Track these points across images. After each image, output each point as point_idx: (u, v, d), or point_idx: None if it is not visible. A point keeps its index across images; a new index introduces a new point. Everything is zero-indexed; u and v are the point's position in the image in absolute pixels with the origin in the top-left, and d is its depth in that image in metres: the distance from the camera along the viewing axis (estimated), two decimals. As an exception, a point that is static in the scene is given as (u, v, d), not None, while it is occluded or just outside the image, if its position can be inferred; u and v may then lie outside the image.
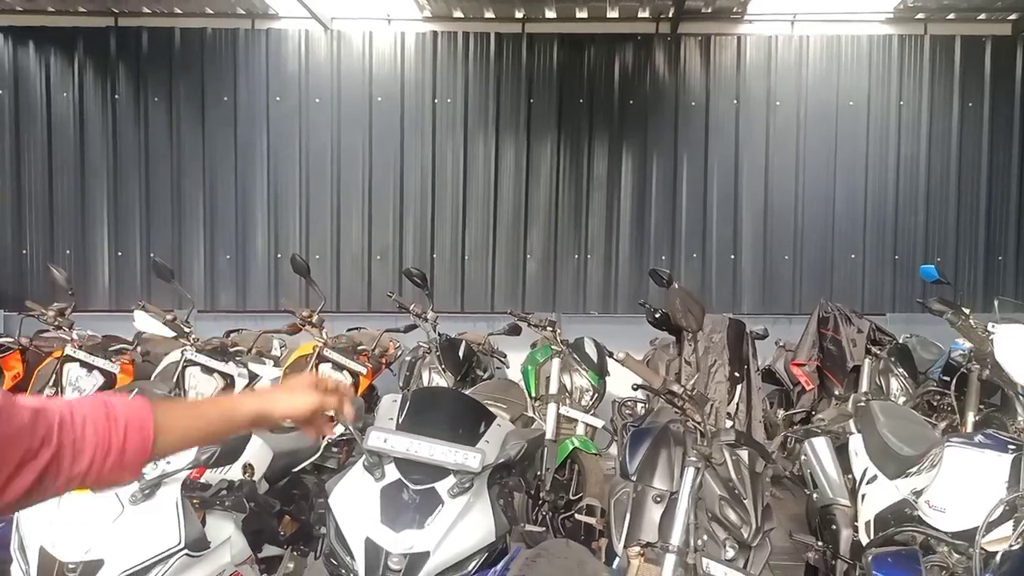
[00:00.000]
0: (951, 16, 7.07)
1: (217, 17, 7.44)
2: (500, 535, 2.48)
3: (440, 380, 5.24)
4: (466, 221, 7.39)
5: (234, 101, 7.38)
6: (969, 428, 4.17)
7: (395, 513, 2.38)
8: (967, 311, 5.04)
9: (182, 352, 4.75)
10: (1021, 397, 2.41)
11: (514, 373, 6.18)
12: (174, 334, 4.81)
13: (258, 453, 2.95)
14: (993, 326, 3.16)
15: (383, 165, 7.39)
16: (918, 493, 2.79)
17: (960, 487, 2.57)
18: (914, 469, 2.97)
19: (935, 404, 5.66)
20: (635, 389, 2.85)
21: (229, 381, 5.20)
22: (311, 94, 7.37)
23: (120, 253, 7.55)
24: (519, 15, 7.28)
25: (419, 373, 5.84)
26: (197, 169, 7.44)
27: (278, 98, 7.38)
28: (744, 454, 2.58)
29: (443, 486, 2.43)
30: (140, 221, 7.50)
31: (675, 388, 2.51)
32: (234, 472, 2.79)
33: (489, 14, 7.30)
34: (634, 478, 2.65)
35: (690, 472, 2.44)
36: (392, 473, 2.47)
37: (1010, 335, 2.54)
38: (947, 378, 5.61)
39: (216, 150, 7.42)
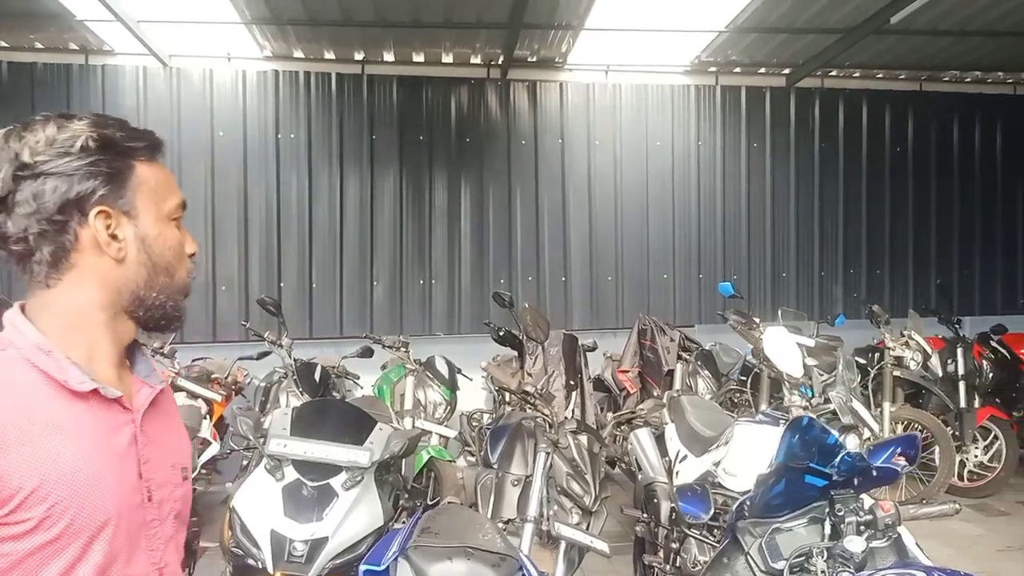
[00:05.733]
0: (737, 70, 8.20)
1: (48, 52, 7.31)
2: (387, 520, 2.91)
3: (298, 403, 5.52)
4: (312, 250, 7.64)
5: (68, 134, 7.25)
6: (761, 418, 5.01)
7: (296, 507, 2.76)
8: (758, 320, 6.00)
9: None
10: (786, 384, 3.13)
11: (366, 393, 6.51)
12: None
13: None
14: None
15: (226, 197, 7.50)
16: (717, 464, 3.50)
17: (746, 455, 3.28)
18: (713, 446, 3.68)
19: (736, 400, 6.61)
20: (497, 390, 3.37)
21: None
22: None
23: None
24: (359, 57, 7.67)
25: (275, 397, 6.06)
26: (27, 203, 7.21)
27: (115, 132, 7.32)
28: (584, 439, 3.17)
29: (337, 481, 2.84)
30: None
31: (528, 388, 3.06)
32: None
33: (329, 55, 7.63)
34: (495, 466, 3.17)
35: (541, 456, 2.99)
36: (291, 474, 2.85)
37: (774, 335, 3.28)
38: (744, 378, 6.58)
39: (48, 183, 7.24)
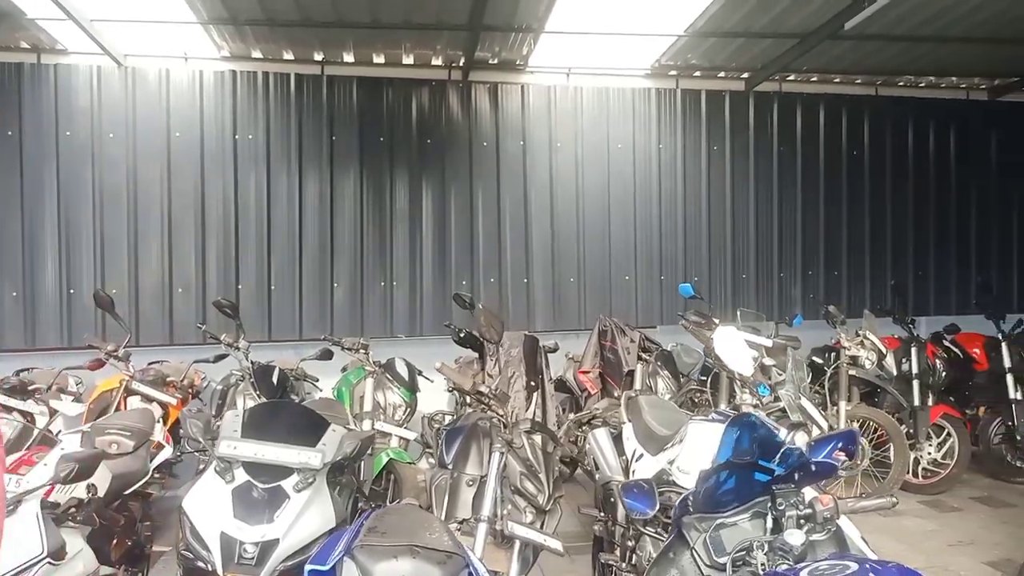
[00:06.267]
0: (697, 74, 8.28)
1: (-2, 51, 7.19)
2: (339, 522, 2.89)
3: (255, 406, 5.45)
4: (271, 252, 7.55)
5: (19, 136, 7.11)
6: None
7: (246, 509, 2.72)
8: (717, 321, 6.05)
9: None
10: (737, 382, 3.17)
11: (325, 396, 6.45)
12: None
13: (100, 474, 3.14)
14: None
15: (183, 198, 7.39)
16: (671, 462, 3.52)
17: (699, 452, 3.31)
18: (668, 445, 3.71)
19: (696, 400, 6.67)
20: (450, 391, 3.36)
21: (29, 419, 5.18)
22: (104, 129, 7.23)
23: None
24: (318, 58, 7.61)
25: (232, 400, 5.98)
26: (-23, 204, 7.08)
27: (68, 133, 7.17)
28: (538, 438, 3.17)
29: (288, 483, 2.81)
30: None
31: (483, 389, 3.05)
32: (79, 491, 2.98)
33: (288, 56, 7.55)
34: (451, 466, 3.16)
35: (496, 456, 2.99)
36: (241, 476, 2.81)
37: (723, 334, 3.32)
38: (704, 378, 6.64)
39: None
